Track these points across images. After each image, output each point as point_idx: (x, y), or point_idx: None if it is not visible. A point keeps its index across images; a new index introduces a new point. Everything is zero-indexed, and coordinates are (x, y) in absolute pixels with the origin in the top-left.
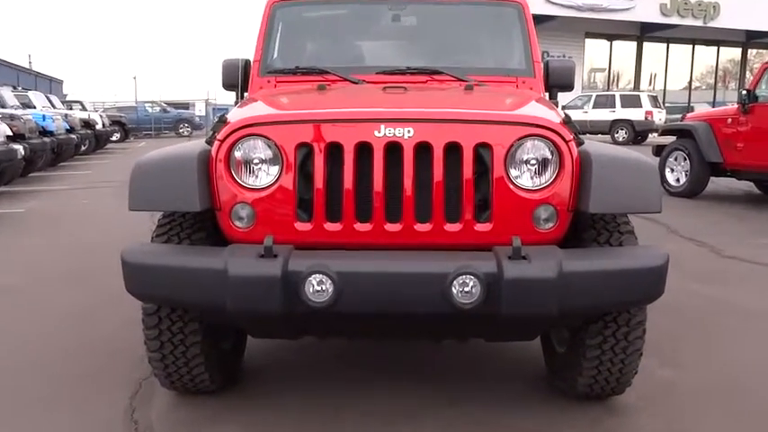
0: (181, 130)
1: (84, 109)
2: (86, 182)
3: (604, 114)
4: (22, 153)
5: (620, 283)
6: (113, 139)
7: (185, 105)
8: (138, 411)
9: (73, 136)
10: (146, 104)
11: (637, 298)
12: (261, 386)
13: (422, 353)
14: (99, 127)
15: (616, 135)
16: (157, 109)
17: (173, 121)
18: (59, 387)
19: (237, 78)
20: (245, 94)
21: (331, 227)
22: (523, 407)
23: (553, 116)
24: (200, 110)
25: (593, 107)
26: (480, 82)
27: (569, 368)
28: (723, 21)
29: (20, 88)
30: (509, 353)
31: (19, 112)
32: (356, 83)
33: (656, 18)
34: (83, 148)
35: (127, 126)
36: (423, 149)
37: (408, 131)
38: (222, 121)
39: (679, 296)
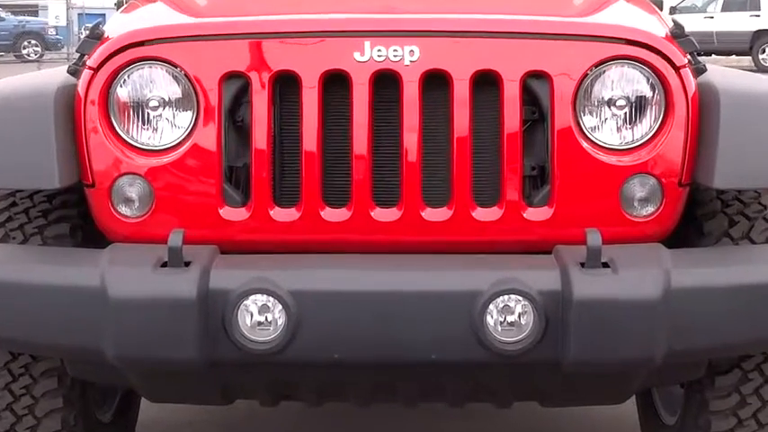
0: (25, 51)
1: None
2: None
3: (742, 21)
4: None
5: None
6: None
7: (32, 9)
8: None
9: None
10: None
11: None
12: None
13: (434, 425)
14: None
15: (761, 56)
16: None
17: (11, 35)
18: None
19: None
20: None
21: (282, 214)
22: None
23: (654, 25)
24: (56, 16)
25: (723, 9)
26: None
27: None
28: None
29: None
30: (581, 426)
31: None
32: None
33: None
34: None
35: None
36: (436, 83)
37: (411, 52)
38: (96, 36)
39: None
